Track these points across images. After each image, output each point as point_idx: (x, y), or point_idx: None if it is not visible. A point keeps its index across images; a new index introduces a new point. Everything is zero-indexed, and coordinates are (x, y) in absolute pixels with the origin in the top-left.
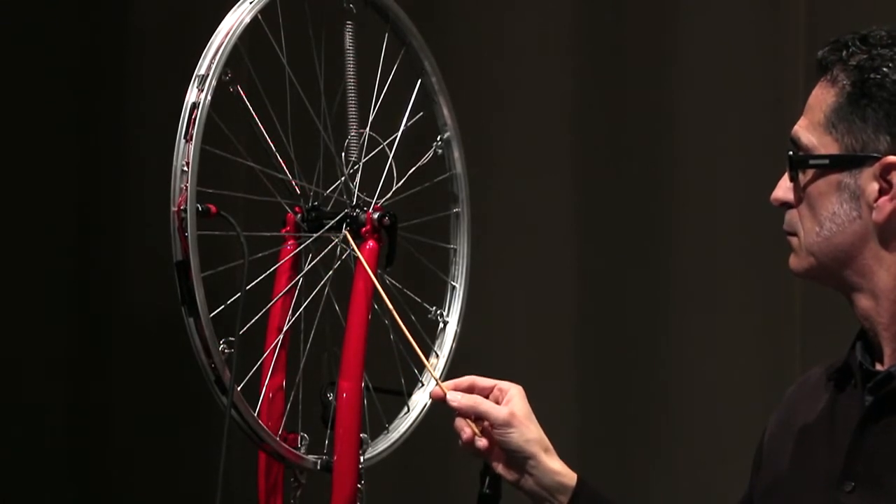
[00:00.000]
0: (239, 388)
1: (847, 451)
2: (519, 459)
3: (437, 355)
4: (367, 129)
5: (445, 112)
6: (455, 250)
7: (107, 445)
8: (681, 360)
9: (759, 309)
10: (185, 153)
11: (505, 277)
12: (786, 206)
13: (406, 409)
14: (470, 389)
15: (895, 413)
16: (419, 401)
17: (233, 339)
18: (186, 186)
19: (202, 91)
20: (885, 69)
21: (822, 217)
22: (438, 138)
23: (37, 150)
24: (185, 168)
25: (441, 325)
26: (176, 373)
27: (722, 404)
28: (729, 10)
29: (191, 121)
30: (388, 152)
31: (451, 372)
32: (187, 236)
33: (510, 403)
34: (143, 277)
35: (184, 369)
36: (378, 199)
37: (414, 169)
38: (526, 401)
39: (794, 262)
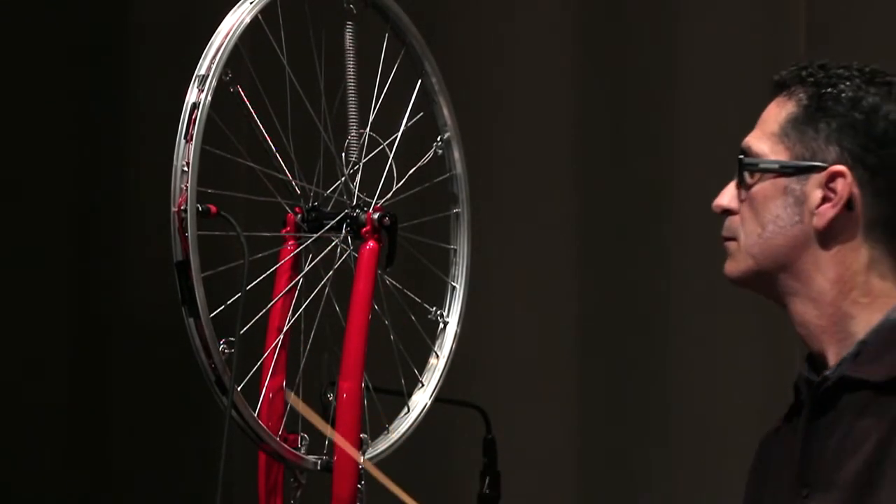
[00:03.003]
0: (239, 389)
1: (799, 458)
2: None
3: (438, 356)
4: (367, 129)
5: (445, 112)
6: (455, 250)
7: (107, 445)
8: (681, 361)
9: (759, 310)
10: (186, 153)
11: (505, 277)
12: (727, 213)
13: (406, 409)
14: None
15: (834, 413)
16: (419, 401)
17: (233, 339)
18: (186, 186)
19: (202, 91)
20: (841, 86)
21: (766, 219)
22: (438, 138)
23: (37, 150)
24: (186, 168)
25: (441, 325)
26: (176, 373)
27: (722, 405)
28: (729, 12)
29: (191, 121)
30: (388, 152)
31: (451, 372)
32: (187, 236)
33: None
34: (143, 277)
35: (184, 369)
36: (378, 199)
37: (414, 169)
38: None
39: (732, 266)
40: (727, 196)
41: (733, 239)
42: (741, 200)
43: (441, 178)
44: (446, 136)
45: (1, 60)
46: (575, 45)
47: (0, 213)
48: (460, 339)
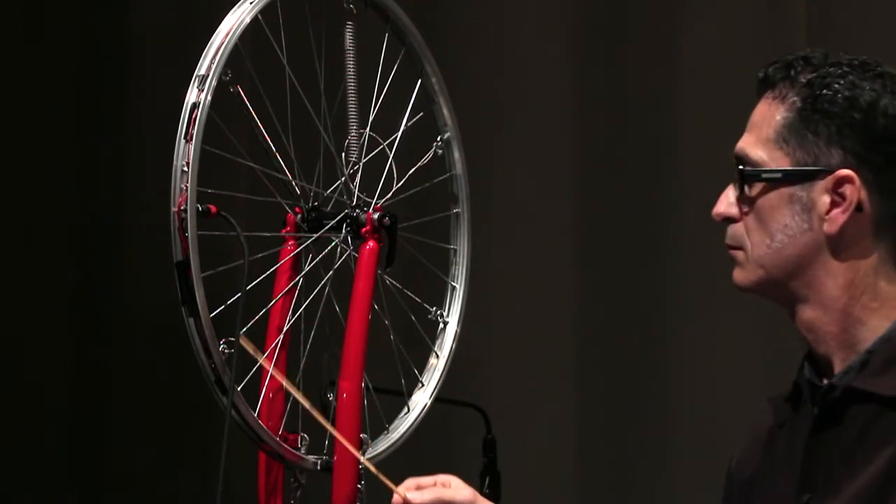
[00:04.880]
0: (239, 389)
1: (801, 463)
2: None
3: (438, 356)
4: (367, 129)
5: (445, 112)
6: (455, 250)
7: (107, 445)
8: (681, 361)
9: (759, 309)
10: (185, 153)
11: (505, 277)
12: (728, 220)
13: (406, 409)
14: (416, 488)
15: (840, 423)
16: (419, 401)
17: (233, 339)
18: (186, 186)
19: (202, 91)
20: (836, 86)
21: (774, 229)
22: (438, 138)
23: (37, 151)
24: (186, 168)
25: (441, 325)
26: (176, 373)
27: (722, 404)
28: (729, 12)
29: (191, 121)
30: (388, 152)
31: (451, 372)
32: (187, 236)
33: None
34: (144, 277)
35: (184, 369)
36: (378, 199)
37: (414, 169)
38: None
39: (741, 275)
40: (725, 203)
41: (739, 248)
42: (744, 210)
43: (441, 178)
44: (446, 136)
45: (1, 61)
46: (575, 46)
47: (0, 213)
48: (460, 339)
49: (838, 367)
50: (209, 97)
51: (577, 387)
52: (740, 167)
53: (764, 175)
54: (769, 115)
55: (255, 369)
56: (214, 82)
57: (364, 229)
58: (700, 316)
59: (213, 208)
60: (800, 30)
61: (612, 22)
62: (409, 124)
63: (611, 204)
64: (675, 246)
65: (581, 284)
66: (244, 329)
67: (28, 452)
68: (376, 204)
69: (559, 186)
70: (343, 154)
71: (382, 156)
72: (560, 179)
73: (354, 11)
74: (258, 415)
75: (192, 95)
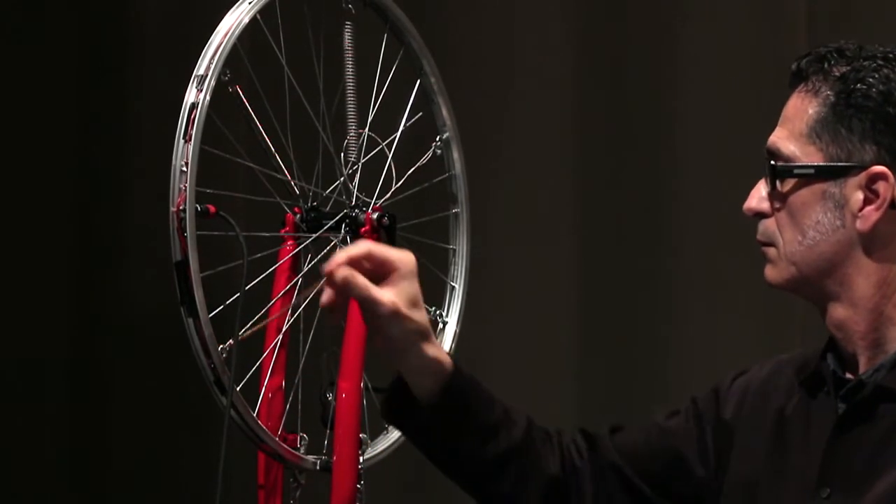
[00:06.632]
0: (238, 389)
1: (822, 457)
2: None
3: None
4: (367, 129)
5: (445, 112)
6: (454, 251)
7: (107, 445)
8: (681, 361)
9: (759, 309)
10: (185, 153)
11: (505, 277)
12: (759, 216)
13: None
14: (367, 257)
15: (868, 420)
16: None
17: (231, 340)
18: (185, 186)
19: (201, 91)
20: (870, 80)
21: (806, 226)
22: (438, 138)
23: (36, 150)
24: (185, 168)
25: (441, 325)
26: (176, 373)
27: None
28: (729, 10)
29: (190, 121)
30: (388, 152)
31: None
32: (186, 236)
33: (396, 288)
34: (143, 277)
35: (184, 369)
36: (377, 199)
37: (413, 169)
38: (414, 279)
39: (773, 272)
40: (756, 198)
41: (771, 244)
42: (775, 206)
43: (440, 178)
44: (445, 136)
45: (1, 60)
46: (575, 45)
47: (0, 212)
48: (460, 339)
49: (864, 364)
50: (208, 97)
51: (578, 387)
52: (772, 162)
53: (796, 170)
54: (802, 109)
55: (254, 369)
56: (213, 82)
57: (363, 229)
58: (700, 315)
59: (211, 208)
60: (800, 30)
61: (612, 21)
62: (408, 124)
63: (611, 203)
64: (675, 246)
65: (581, 284)
66: (244, 330)
67: (28, 452)
68: (375, 204)
69: (559, 186)
70: (342, 154)
71: (381, 156)
72: (560, 179)
73: (353, 11)
74: (257, 415)
75: (190, 95)
